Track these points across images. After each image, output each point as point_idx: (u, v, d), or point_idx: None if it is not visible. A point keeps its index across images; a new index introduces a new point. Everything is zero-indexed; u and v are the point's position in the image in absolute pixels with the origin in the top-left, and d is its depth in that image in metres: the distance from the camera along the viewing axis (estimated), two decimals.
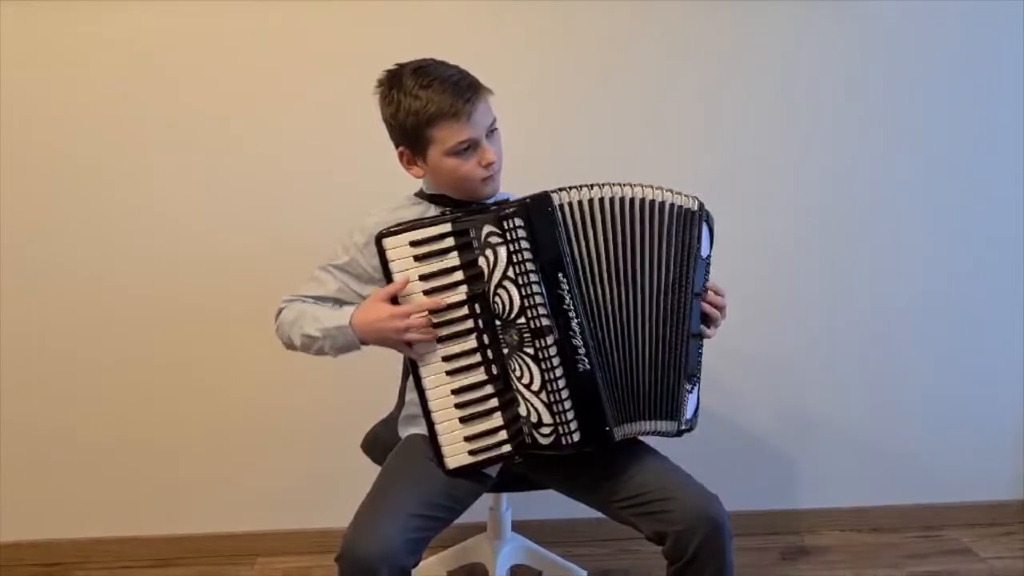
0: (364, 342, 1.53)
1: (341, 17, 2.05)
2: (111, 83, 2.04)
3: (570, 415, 1.46)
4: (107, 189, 2.09)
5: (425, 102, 1.48)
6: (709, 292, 1.56)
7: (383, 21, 2.05)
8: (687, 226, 1.51)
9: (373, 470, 1.79)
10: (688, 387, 1.54)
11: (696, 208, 1.52)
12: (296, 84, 2.07)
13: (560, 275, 1.45)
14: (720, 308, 1.57)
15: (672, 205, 1.50)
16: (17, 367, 2.15)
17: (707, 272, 1.56)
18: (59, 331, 2.14)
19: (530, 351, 1.46)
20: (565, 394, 1.46)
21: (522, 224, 1.44)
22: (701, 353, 1.58)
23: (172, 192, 2.10)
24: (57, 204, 2.09)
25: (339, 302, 1.61)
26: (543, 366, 1.46)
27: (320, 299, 1.61)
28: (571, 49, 2.10)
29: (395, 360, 1.92)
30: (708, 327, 1.57)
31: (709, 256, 1.56)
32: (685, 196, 1.52)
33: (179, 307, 2.15)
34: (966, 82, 2.19)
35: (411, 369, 1.52)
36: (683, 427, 1.55)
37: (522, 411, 1.48)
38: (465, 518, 1.60)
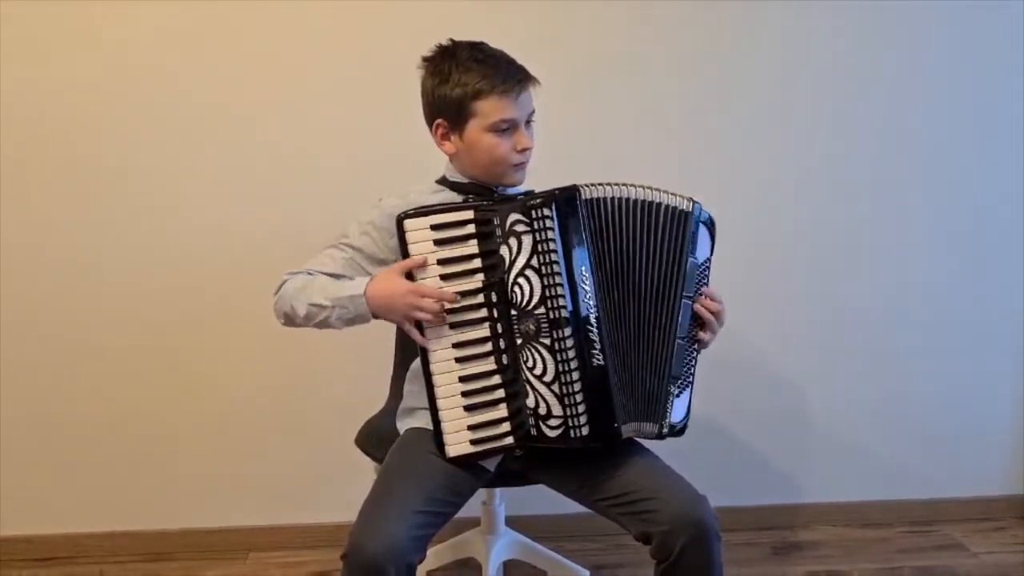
0: (375, 315, 1.51)
1: (343, 17, 2.06)
2: (111, 77, 2.04)
3: (581, 408, 1.46)
4: (106, 181, 2.08)
5: (478, 75, 1.51)
6: (705, 298, 1.55)
7: (384, 21, 2.06)
8: (681, 228, 1.52)
9: (367, 464, 1.79)
10: (674, 390, 1.54)
11: (690, 209, 1.53)
12: (298, 81, 2.08)
13: (583, 268, 1.46)
14: (715, 313, 1.56)
15: (667, 206, 1.51)
16: (11, 363, 2.14)
17: (704, 275, 1.56)
18: (54, 328, 2.13)
19: (546, 341, 1.46)
20: (578, 387, 1.46)
21: (550, 215, 1.45)
22: (693, 357, 1.57)
23: (169, 185, 2.10)
24: (55, 197, 2.08)
25: (348, 278, 1.58)
26: (559, 357, 1.46)
27: (328, 275, 1.58)
28: (570, 49, 2.11)
29: (388, 354, 1.93)
30: (704, 332, 1.57)
31: (708, 260, 1.56)
32: (681, 197, 1.53)
33: (172, 304, 2.15)
34: (965, 82, 2.21)
35: (420, 354, 1.51)
36: (665, 430, 1.54)
37: (530, 402, 1.48)
38: (459, 512, 1.60)
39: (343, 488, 2.21)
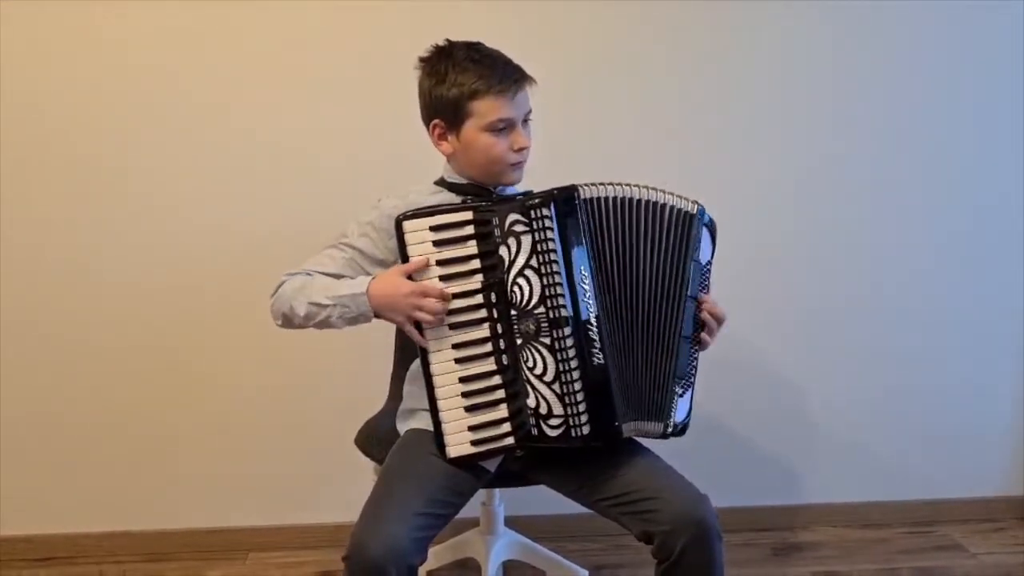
0: (377, 314, 1.51)
1: (343, 17, 2.05)
2: (111, 77, 2.04)
3: (582, 407, 1.46)
4: (106, 181, 2.08)
5: (474, 75, 1.51)
6: (707, 300, 1.56)
7: (384, 21, 2.06)
8: (686, 229, 1.53)
9: (367, 465, 1.79)
10: (678, 390, 1.54)
11: (694, 212, 1.53)
12: (298, 81, 2.08)
13: (583, 268, 1.46)
14: (718, 319, 1.57)
15: (672, 207, 1.52)
16: (11, 363, 2.14)
17: (706, 278, 1.57)
18: (54, 328, 2.13)
19: (547, 341, 1.46)
20: (579, 386, 1.46)
21: (549, 215, 1.45)
22: (695, 358, 1.58)
23: (169, 185, 2.10)
24: (55, 197, 2.08)
25: (348, 278, 1.57)
26: (559, 356, 1.46)
27: (328, 275, 1.57)
28: (570, 49, 2.11)
29: (388, 354, 1.93)
30: (703, 334, 1.57)
31: (709, 263, 1.57)
32: (685, 199, 1.54)
33: (172, 303, 2.14)
34: (965, 82, 2.20)
35: (420, 356, 1.51)
36: (669, 430, 1.54)
37: (530, 402, 1.48)
38: (458, 513, 1.60)
39: (343, 488, 2.21)
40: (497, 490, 1.94)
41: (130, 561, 2.23)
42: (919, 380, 2.34)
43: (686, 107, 2.16)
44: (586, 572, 2.03)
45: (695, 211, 1.53)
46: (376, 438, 1.80)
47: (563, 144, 2.09)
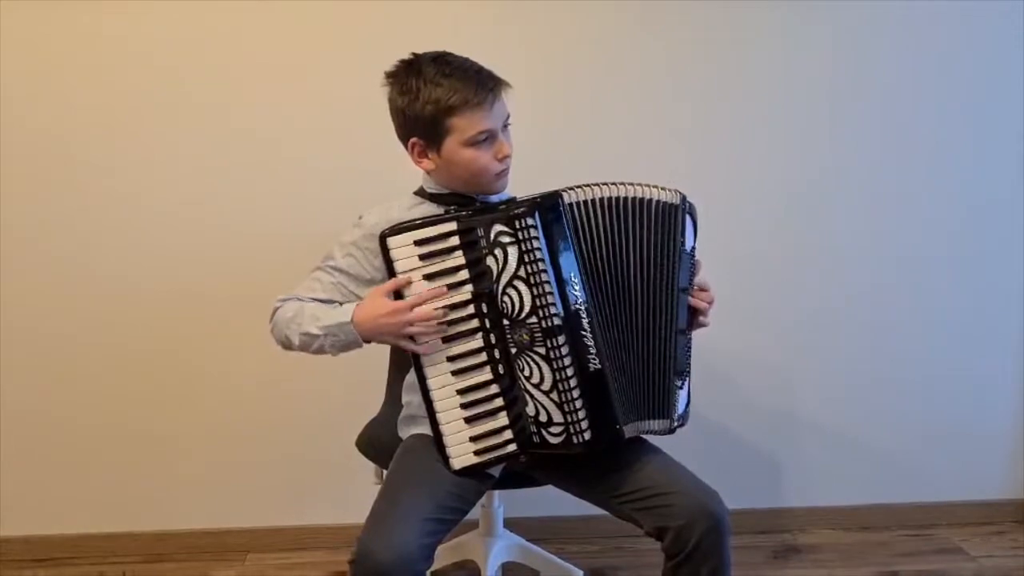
0: (366, 340, 1.50)
1: (344, 17, 2.05)
2: (111, 77, 2.04)
3: (582, 414, 1.46)
4: (106, 182, 2.08)
5: (448, 90, 1.47)
6: (695, 287, 1.56)
7: (385, 21, 2.05)
8: (672, 221, 1.51)
9: (365, 467, 1.79)
10: (678, 383, 1.54)
11: (678, 202, 1.52)
12: (298, 81, 2.08)
13: (572, 275, 1.45)
14: (708, 300, 1.57)
15: (657, 201, 1.50)
16: (11, 363, 2.14)
17: (693, 264, 1.56)
18: (54, 328, 2.14)
19: (541, 351, 1.45)
20: (576, 393, 1.45)
21: (534, 224, 1.43)
22: (689, 349, 1.58)
23: (171, 186, 2.10)
24: (55, 196, 2.08)
25: (337, 303, 1.58)
26: (555, 365, 1.45)
27: (317, 300, 1.58)
28: (570, 49, 2.11)
29: (385, 357, 1.93)
30: (697, 319, 1.57)
31: (693, 248, 1.56)
32: (667, 191, 1.52)
33: (172, 304, 2.14)
34: (965, 82, 2.20)
35: (415, 369, 1.51)
36: (675, 424, 1.55)
37: (530, 410, 1.48)
38: None
39: (342, 490, 2.21)
40: (496, 492, 1.93)
41: (130, 562, 2.23)
42: (918, 381, 2.34)
43: (686, 107, 2.16)
44: (581, 573, 2.03)
45: (678, 201, 1.51)
46: (377, 442, 1.79)
47: (562, 145, 2.09)
